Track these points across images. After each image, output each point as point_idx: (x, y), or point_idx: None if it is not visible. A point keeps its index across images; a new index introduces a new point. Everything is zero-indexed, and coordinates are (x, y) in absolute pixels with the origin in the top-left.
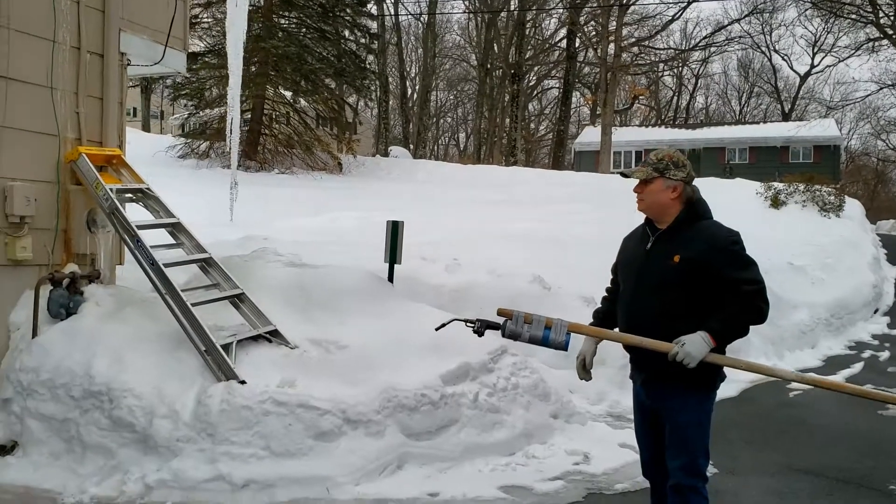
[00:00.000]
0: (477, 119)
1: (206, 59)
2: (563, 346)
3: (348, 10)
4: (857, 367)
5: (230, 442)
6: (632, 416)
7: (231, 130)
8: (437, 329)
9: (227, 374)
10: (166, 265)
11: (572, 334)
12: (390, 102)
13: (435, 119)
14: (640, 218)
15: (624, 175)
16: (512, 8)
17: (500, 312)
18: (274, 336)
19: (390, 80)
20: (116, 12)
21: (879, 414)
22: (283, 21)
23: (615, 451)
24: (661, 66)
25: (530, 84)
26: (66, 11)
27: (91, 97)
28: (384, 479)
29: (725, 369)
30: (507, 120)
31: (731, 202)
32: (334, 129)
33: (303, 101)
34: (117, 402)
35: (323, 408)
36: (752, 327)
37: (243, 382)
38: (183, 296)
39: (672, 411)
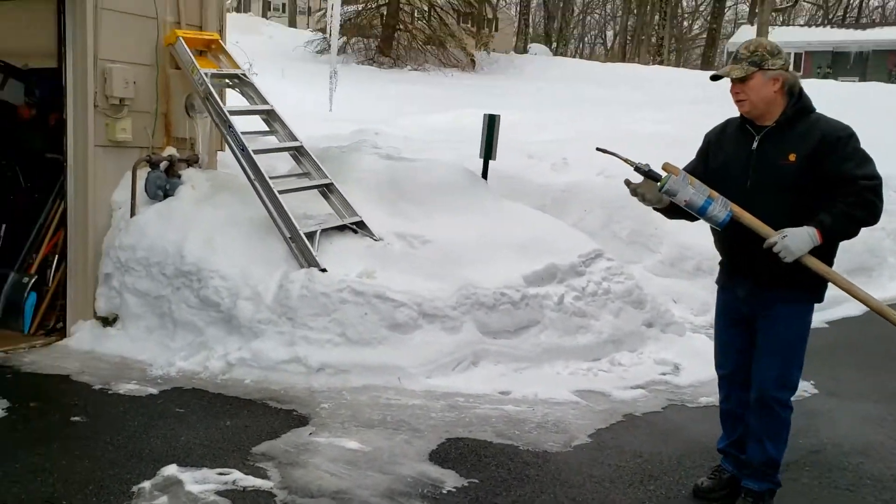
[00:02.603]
0: (624, 16)
1: None
2: (720, 223)
3: None
4: None
5: (308, 327)
6: None
7: (331, 16)
8: (597, 149)
9: (310, 261)
10: (256, 152)
11: (732, 215)
12: None
13: (581, 16)
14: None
15: (715, 77)
16: None
17: (666, 167)
18: (360, 227)
19: None
20: None
21: None
22: None
23: (709, 364)
24: None
25: None
26: None
27: None
28: (457, 374)
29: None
30: (657, 16)
31: None
32: (472, 25)
33: None
34: (205, 282)
35: (399, 300)
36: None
37: (324, 270)
38: (271, 183)
39: (775, 321)
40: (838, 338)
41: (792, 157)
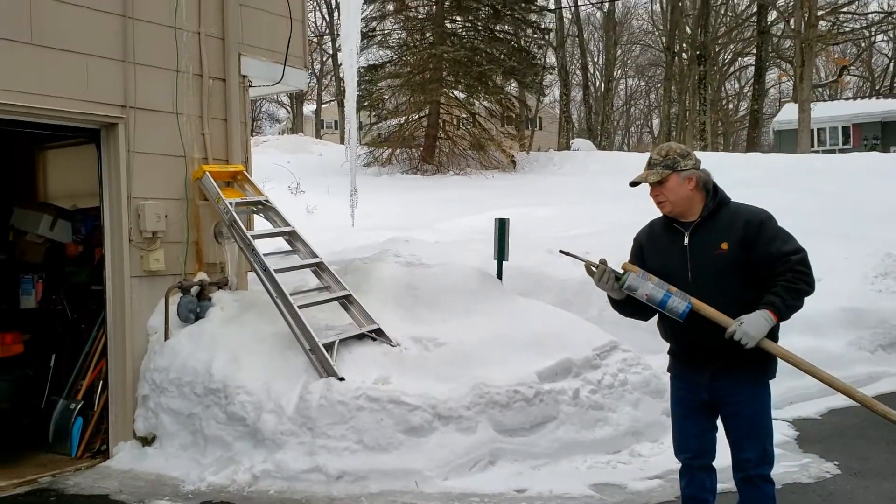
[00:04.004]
0: (665, 104)
1: (388, 69)
2: (680, 314)
3: (517, 8)
4: None
5: (327, 435)
6: None
7: (349, 141)
8: (560, 251)
9: (328, 371)
10: (278, 271)
11: (691, 307)
12: (575, 95)
13: (626, 107)
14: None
15: (634, 184)
16: None
17: (625, 267)
18: (378, 335)
19: (575, 72)
20: (235, 38)
21: None
22: (454, 26)
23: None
24: (871, 30)
25: (725, 62)
26: (187, 42)
27: (215, 119)
28: (474, 474)
29: None
30: (697, 103)
31: None
32: (514, 127)
33: (477, 103)
34: (231, 398)
35: (413, 403)
36: None
37: (342, 379)
38: (291, 299)
39: (741, 404)
40: (868, 418)
41: (724, 246)
